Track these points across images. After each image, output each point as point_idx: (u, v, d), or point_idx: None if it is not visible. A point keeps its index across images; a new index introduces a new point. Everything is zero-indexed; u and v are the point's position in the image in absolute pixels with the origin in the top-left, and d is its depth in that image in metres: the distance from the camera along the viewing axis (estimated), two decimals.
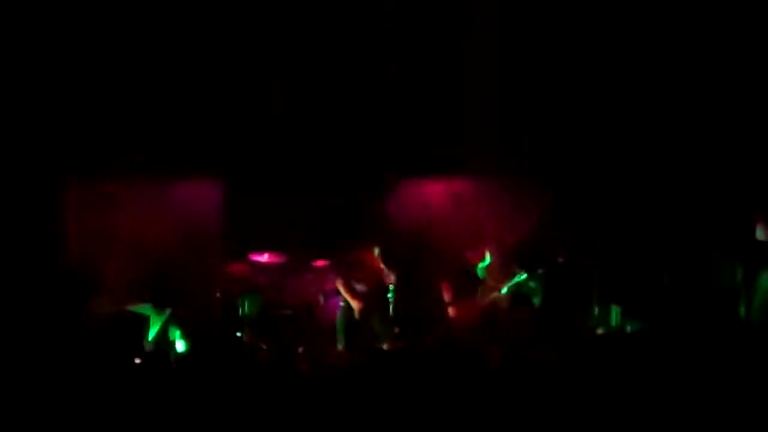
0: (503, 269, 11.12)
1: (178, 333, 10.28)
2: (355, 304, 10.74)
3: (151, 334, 10.12)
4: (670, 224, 11.50)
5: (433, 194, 12.14)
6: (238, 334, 11.07)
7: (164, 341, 10.10)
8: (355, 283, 10.78)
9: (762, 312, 9.93)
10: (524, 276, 11.00)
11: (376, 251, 11.14)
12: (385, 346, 10.60)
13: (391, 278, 11.64)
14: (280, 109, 12.13)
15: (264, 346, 10.61)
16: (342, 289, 10.80)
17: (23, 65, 11.03)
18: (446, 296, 10.85)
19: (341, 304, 10.91)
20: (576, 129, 11.73)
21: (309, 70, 12.13)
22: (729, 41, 11.30)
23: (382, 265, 11.76)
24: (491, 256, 10.98)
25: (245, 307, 11.51)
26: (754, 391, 6.27)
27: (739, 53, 11.28)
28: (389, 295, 11.75)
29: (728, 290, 10.48)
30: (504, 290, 10.99)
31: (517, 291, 11.01)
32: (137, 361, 7.73)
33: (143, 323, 10.14)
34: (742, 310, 10.12)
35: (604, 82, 11.72)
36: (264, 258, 11.79)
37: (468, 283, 10.87)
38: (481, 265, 10.94)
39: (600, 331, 10.47)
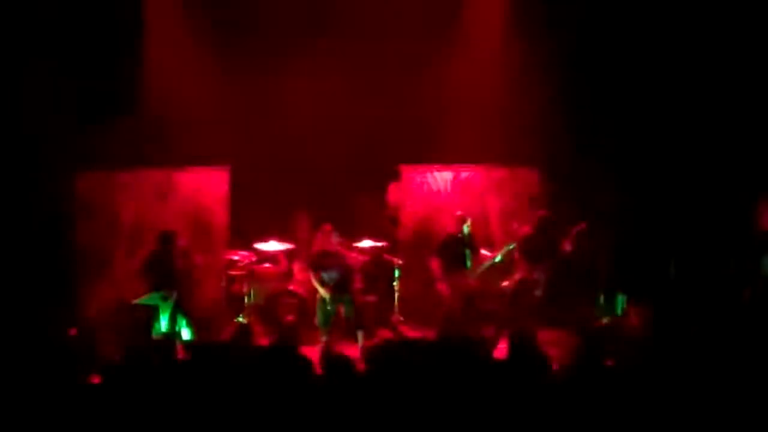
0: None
1: (184, 322, 10.31)
2: (324, 293, 10.42)
3: (159, 323, 10.14)
4: (675, 212, 11.51)
5: (439, 183, 12.14)
6: (243, 321, 11.09)
7: (171, 330, 10.12)
8: (324, 273, 10.55)
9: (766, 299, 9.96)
10: (512, 246, 11.05)
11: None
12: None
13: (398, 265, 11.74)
14: (287, 99, 12.18)
15: (268, 334, 10.61)
16: (314, 279, 10.47)
17: (35, 63, 11.09)
18: (435, 272, 10.82)
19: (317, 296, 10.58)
20: (581, 118, 11.74)
21: (317, 64, 12.17)
22: (727, 35, 11.33)
23: (386, 256, 11.86)
24: (470, 221, 10.92)
25: (251, 295, 11.56)
26: (759, 377, 6.28)
27: (740, 48, 11.31)
28: (394, 283, 11.83)
29: (734, 278, 10.49)
30: (498, 258, 11.03)
31: (523, 280, 11.04)
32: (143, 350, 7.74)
33: (151, 313, 10.16)
34: (747, 297, 10.13)
35: (610, 74, 11.73)
36: (270, 246, 11.80)
37: (453, 255, 10.83)
38: (464, 232, 10.87)
39: (606, 319, 10.48)
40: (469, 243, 10.90)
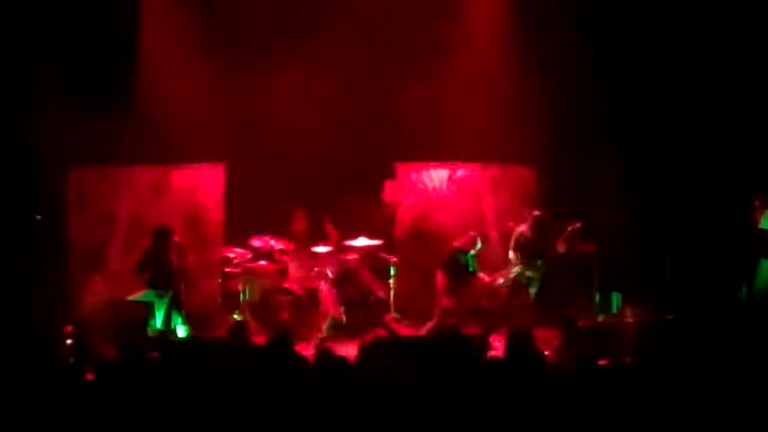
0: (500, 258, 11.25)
1: (179, 319, 10.30)
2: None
3: (154, 320, 10.14)
4: (671, 211, 11.52)
5: (435, 181, 12.14)
6: (239, 318, 11.09)
7: (166, 327, 10.12)
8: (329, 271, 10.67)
9: (763, 298, 9.96)
10: (517, 271, 11.03)
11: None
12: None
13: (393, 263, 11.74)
14: (282, 96, 12.16)
15: (264, 331, 10.60)
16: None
17: (31, 59, 11.09)
18: (439, 285, 10.79)
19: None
20: (578, 116, 11.74)
21: (313, 61, 12.16)
22: (724, 33, 11.34)
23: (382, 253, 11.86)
24: (482, 243, 10.92)
25: (246, 292, 11.55)
26: (756, 376, 6.29)
27: (737, 47, 11.32)
28: (389, 281, 11.82)
29: (729, 277, 10.50)
30: (501, 281, 11.02)
31: (517, 279, 11.04)
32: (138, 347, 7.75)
33: (146, 310, 10.16)
34: (743, 296, 10.14)
35: (607, 72, 11.73)
36: (266, 243, 11.79)
37: (459, 271, 10.82)
38: (471, 252, 10.87)
39: (601, 318, 10.48)
40: (472, 264, 10.89)
